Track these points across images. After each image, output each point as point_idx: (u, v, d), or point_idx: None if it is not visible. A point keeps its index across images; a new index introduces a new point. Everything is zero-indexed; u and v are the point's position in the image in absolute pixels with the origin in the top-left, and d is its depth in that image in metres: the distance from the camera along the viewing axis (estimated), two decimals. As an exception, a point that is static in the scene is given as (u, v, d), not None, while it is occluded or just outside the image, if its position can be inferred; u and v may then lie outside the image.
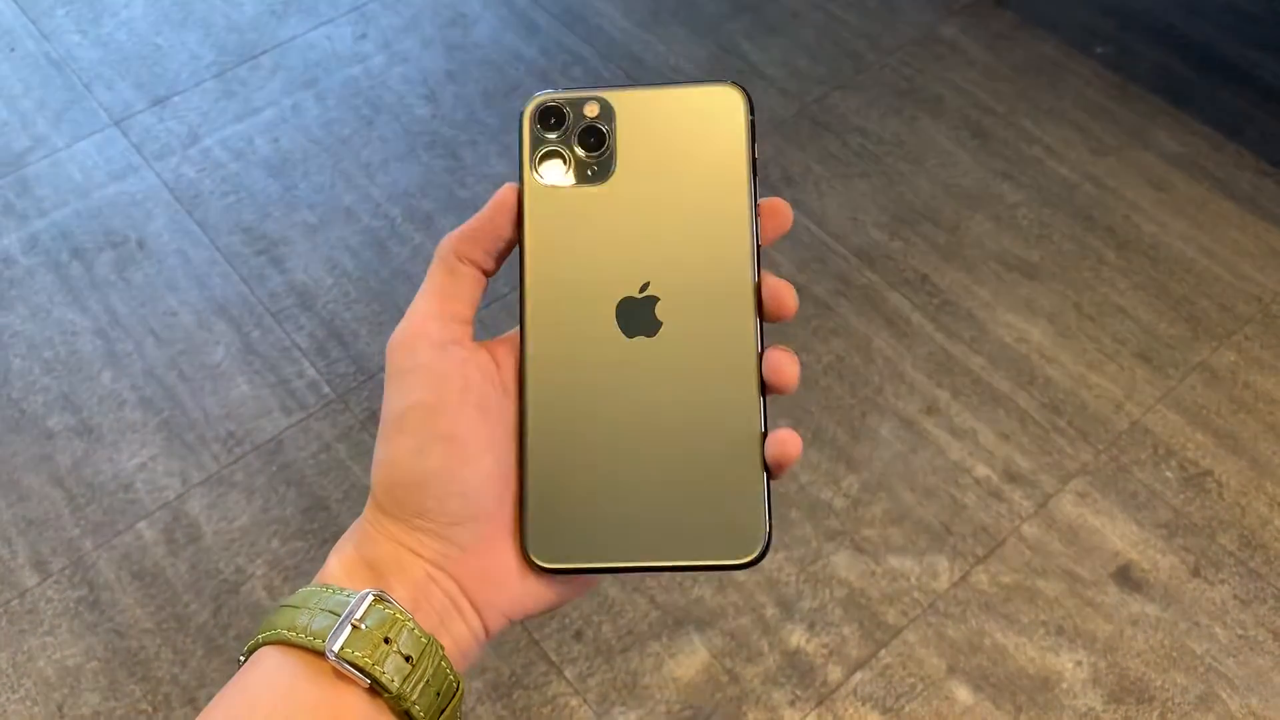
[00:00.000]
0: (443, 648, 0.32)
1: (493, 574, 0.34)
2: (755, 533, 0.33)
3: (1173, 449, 0.99)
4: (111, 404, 1.02)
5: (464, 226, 0.35)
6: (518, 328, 0.35)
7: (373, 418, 1.01)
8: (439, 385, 0.33)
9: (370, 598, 0.31)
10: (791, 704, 0.86)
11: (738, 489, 0.33)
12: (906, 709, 0.85)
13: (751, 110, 0.35)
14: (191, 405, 1.02)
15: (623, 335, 0.34)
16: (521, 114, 0.36)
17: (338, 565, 0.34)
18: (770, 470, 0.33)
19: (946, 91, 1.28)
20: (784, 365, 0.34)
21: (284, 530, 0.93)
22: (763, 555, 0.33)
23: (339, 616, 0.31)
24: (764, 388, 0.34)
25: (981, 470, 0.98)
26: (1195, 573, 0.92)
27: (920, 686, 0.86)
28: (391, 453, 0.33)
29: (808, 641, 0.89)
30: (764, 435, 0.33)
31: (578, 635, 0.89)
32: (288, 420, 1.01)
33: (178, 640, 0.88)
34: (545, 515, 0.34)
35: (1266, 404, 1.02)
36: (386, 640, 0.31)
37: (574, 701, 0.85)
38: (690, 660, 0.88)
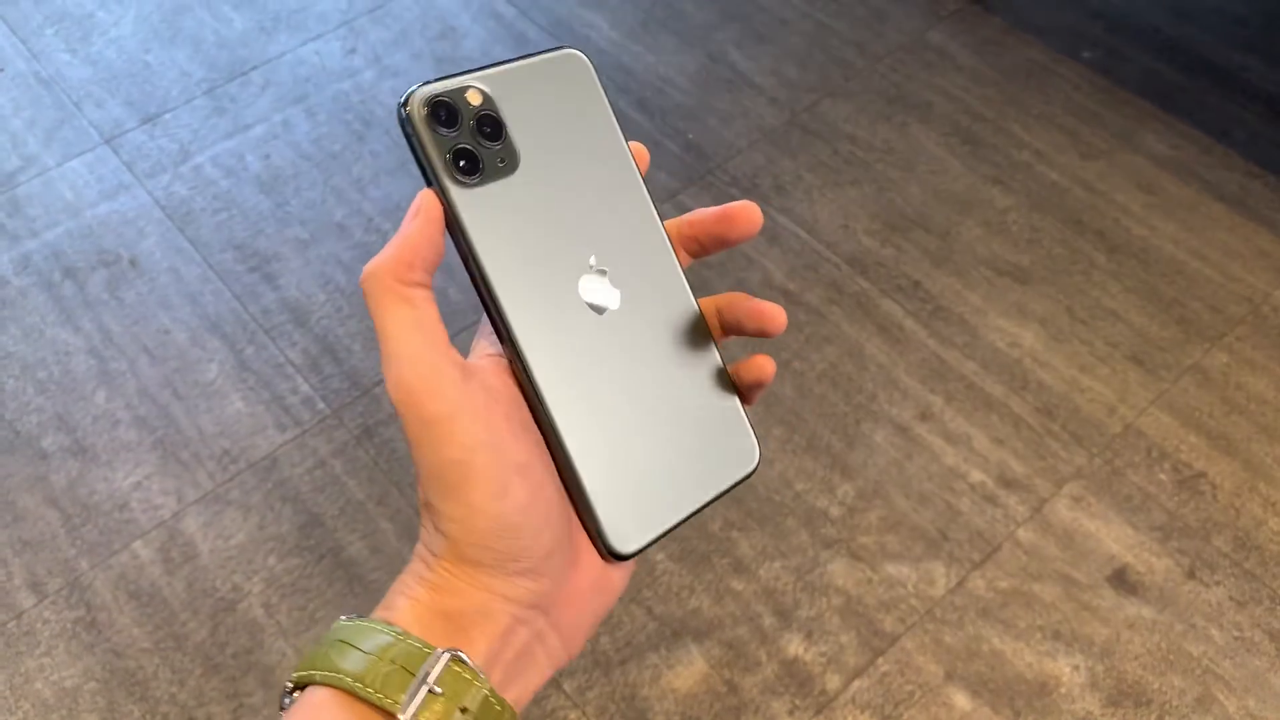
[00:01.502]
0: (516, 715, 0.31)
1: (574, 595, 0.34)
2: (751, 447, 0.38)
3: (1166, 451, 0.99)
4: (106, 423, 1.02)
5: (398, 251, 0.32)
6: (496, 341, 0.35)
7: (367, 433, 1.01)
8: (487, 421, 0.32)
9: (446, 658, 0.30)
10: (790, 713, 0.86)
11: (727, 418, 0.37)
12: (905, 716, 0.86)
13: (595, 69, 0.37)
14: (186, 423, 1.02)
15: (595, 314, 0.35)
16: (405, 115, 0.33)
17: (408, 609, 0.32)
18: (753, 389, 0.37)
19: (936, 98, 1.29)
20: (774, 313, 0.36)
21: (280, 547, 0.93)
22: (759, 462, 0.38)
23: (410, 674, 0.30)
24: (708, 325, 0.38)
25: (976, 476, 0.98)
26: (1190, 575, 0.92)
27: (918, 693, 0.87)
28: (470, 503, 0.31)
29: (805, 650, 0.89)
30: (724, 364, 0.37)
31: (576, 648, 0.89)
32: (282, 437, 1.01)
33: (176, 659, 0.88)
34: (610, 507, 0.35)
35: (1258, 405, 1.03)
36: (463, 710, 0.30)
37: (573, 715, 0.85)
38: (688, 671, 0.88)
